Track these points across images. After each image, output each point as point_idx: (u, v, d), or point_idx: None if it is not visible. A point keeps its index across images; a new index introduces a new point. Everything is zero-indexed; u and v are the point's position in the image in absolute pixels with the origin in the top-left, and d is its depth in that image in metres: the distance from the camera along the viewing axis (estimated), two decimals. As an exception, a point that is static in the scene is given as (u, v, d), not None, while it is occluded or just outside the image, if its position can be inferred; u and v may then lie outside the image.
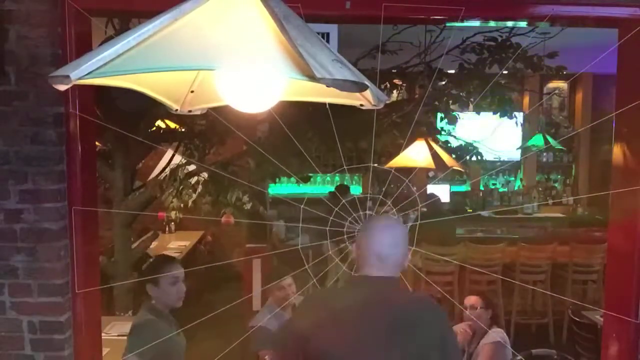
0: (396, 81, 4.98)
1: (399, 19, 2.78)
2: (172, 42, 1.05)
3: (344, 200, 2.35)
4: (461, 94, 4.76)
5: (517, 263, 5.55)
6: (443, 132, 5.68)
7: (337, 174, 7.74)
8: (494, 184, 8.30)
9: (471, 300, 3.43)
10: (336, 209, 2.32)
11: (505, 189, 8.23)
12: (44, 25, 2.06)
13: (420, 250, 4.10)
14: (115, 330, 3.61)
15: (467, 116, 5.69)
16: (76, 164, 2.19)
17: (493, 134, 5.51)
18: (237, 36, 1.07)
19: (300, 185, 6.10)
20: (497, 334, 3.26)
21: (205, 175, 4.77)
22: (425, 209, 6.22)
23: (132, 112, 3.94)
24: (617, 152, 2.50)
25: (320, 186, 7.91)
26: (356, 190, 7.93)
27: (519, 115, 6.77)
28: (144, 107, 3.91)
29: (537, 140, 6.29)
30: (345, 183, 7.97)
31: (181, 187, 4.60)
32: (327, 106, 1.82)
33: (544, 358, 3.52)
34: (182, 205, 5.15)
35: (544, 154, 8.15)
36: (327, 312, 1.76)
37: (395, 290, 1.85)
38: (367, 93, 1.14)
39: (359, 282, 1.84)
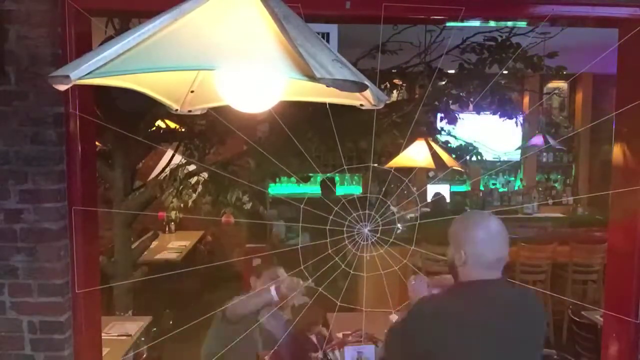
0: (396, 81, 4.98)
1: (399, 19, 2.78)
2: (172, 42, 1.05)
3: (344, 200, 2.35)
4: (461, 94, 4.76)
5: (517, 263, 5.54)
6: (443, 132, 5.68)
7: (337, 174, 7.74)
8: (494, 184, 8.30)
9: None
10: (336, 208, 2.32)
11: (505, 189, 8.23)
12: (44, 25, 2.06)
13: (420, 250, 4.10)
14: (115, 330, 3.61)
15: (467, 116, 5.69)
16: (76, 164, 2.19)
17: (492, 134, 5.52)
18: (237, 36, 1.07)
19: (300, 185, 6.11)
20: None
21: (205, 175, 4.77)
22: (428, 209, 6.23)
23: (132, 112, 3.94)
24: (617, 152, 2.50)
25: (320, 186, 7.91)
26: (356, 190, 7.92)
27: (519, 115, 6.77)
28: (144, 107, 3.91)
29: (537, 140, 6.29)
30: (345, 183, 7.99)
31: (181, 187, 4.61)
32: (328, 106, 1.82)
33: (543, 358, 3.52)
34: (182, 205, 5.15)
35: (544, 154, 8.15)
36: (452, 323, 1.67)
37: (509, 291, 1.83)
38: (367, 93, 1.14)
39: (480, 287, 1.74)
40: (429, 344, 1.69)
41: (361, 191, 7.84)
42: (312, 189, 7.60)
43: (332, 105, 1.51)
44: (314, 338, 3.24)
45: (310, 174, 5.04)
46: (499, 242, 1.75)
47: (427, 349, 1.69)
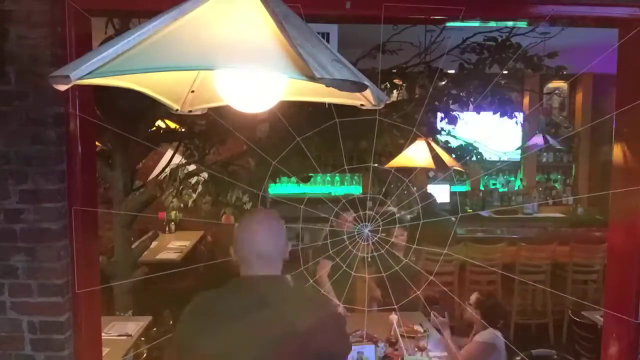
0: (396, 81, 4.97)
1: (399, 19, 2.78)
2: (172, 42, 1.05)
3: (344, 200, 2.36)
4: (461, 94, 4.76)
5: (517, 263, 5.55)
6: (443, 132, 5.67)
7: (337, 174, 7.73)
8: (494, 184, 8.30)
9: (472, 296, 3.48)
10: (336, 209, 2.32)
11: (505, 189, 8.23)
12: (44, 25, 2.06)
13: (421, 247, 4.10)
14: (115, 330, 3.61)
15: (467, 116, 5.68)
16: (76, 164, 2.19)
17: (492, 134, 5.50)
18: (237, 36, 1.07)
19: (300, 185, 6.10)
20: (491, 335, 3.26)
21: (205, 175, 4.77)
22: (420, 210, 6.21)
23: (132, 112, 3.94)
24: (617, 152, 2.50)
25: (321, 186, 7.91)
26: (356, 190, 7.92)
27: (519, 115, 6.77)
28: (144, 107, 3.91)
29: (537, 140, 6.29)
30: (345, 183, 7.98)
31: (181, 187, 4.60)
32: (332, 107, 1.81)
33: (544, 358, 3.52)
34: (182, 205, 5.15)
35: (544, 154, 8.15)
36: (210, 318, 1.65)
37: (279, 290, 1.71)
38: (367, 93, 1.14)
39: (241, 282, 1.70)
40: (190, 337, 1.66)
41: (361, 191, 7.84)
42: (313, 189, 7.60)
43: (334, 105, 1.51)
44: None
45: (311, 174, 5.03)
46: (265, 237, 1.69)
47: (186, 343, 1.67)
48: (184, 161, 4.82)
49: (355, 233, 2.53)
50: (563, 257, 5.62)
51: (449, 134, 5.72)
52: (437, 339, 3.49)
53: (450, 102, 4.81)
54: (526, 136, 7.61)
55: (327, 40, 3.04)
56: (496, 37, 4.31)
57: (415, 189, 6.82)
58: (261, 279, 1.68)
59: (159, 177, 4.76)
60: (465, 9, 2.12)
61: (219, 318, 1.64)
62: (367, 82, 1.06)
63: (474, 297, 3.46)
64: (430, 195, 6.01)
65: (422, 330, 3.57)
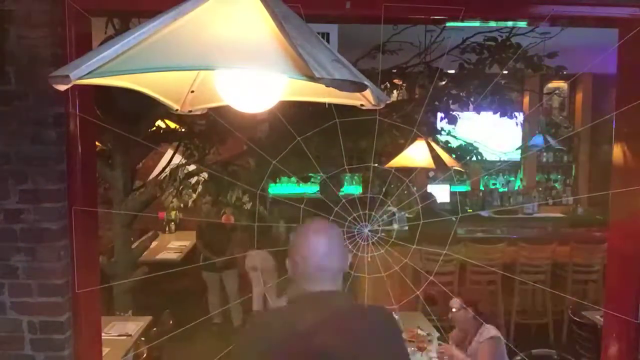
0: (396, 81, 4.97)
1: (399, 19, 2.79)
2: (172, 42, 1.05)
3: (344, 200, 2.35)
4: (461, 94, 4.76)
5: (517, 263, 5.55)
6: (443, 132, 5.67)
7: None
8: (494, 184, 8.30)
9: (451, 302, 3.39)
10: (336, 208, 2.32)
11: (505, 189, 8.23)
12: (44, 25, 2.06)
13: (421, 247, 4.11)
14: (115, 330, 3.61)
15: (467, 116, 5.69)
16: (76, 164, 2.19)
17: (492, 134, 5.49)
18: (237, 36, 1.07)
19: (300, 185, 6.11)
20: (492, 327, 3.25)
21: (205, 175, 4.78)
22: (420, 210, 6.21)
23: (132, 112, 3.94)
24: (617, 152, 2.50)
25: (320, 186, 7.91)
26: (356, 190, 7.92)
27: (519, 115, 6.77)
28: (144, 107, 3.91)
29: (537, 140, 6.29)
30: (345, 183, 7.98)
31: (181, 187, 4.61)
32: (332, 107, 1.81)
33: (544, 358, 3.52)
34: (182, 205, 5.15)
35: (544, 154, 8.15)
36: (275, 339, 1.53)
37: (342, 305, 1.62)
38: (368, 93, 1.14)
39: (304, 299, 1.59)
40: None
41: (361, 191, 7.84)
42: (312, 189, 7.60)
43: (334, 105, 1.51)
44: None
45: (310, 174, 5.03)
46: (324, 249, 1.58)
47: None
48: (184, 161, 4.82)
49: (356, 233, 2.53)
50: (563, 257, 5.61)
51: (449, 134, 5.72)
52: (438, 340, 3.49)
53: (450, 102, 4.82)
54: (526, 136, 7.62)
55: (327, 40, 3.04)
56: (496, 37, 4.31)
57: (415, 189, 6.82)
58: (324, 295, 1.58)
59: (159, 177, 4.76)
60: (465, 9, 2.12)
61: (280, 339, 1.53)
62: (367, 82, 1.06)
63: (456, 302, 3.39)
64: (430, 195, 6.01)
65: (424, 334, 3.57)
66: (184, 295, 5.63)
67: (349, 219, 2.50)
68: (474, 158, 5.48)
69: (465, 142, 5.64)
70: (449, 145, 5.51)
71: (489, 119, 5.36)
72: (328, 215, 2.34)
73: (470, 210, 7.63)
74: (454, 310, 3.32)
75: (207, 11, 1.08)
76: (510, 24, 3.42)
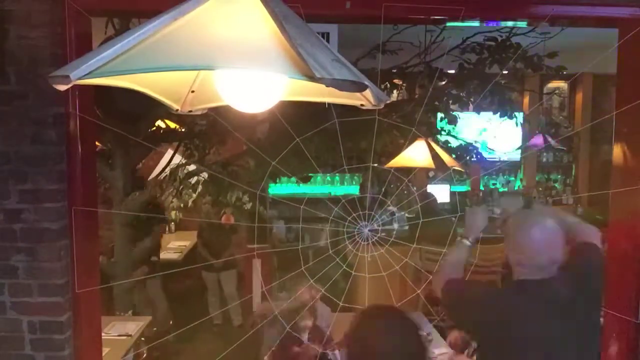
0: (396, 81, 4.97)
1: (399, 19, 2.79)
2: (172, 42, 1.05)
3: (343, 200, 2.35)
4: (461, 94, 4.75)
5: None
6: (443, 132, 5.67)
7: (337, 174, 7.73)
8: (494, 184, 8.30)
9: (450, 339, 3.32)
10: (336, 208, 2.32)
11: (505, 189, 8.22)
12: (44, 25, 2.06)
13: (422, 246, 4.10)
14: (115, 330, 3.61)
15: (467, 116, 5.69)
16: (76, 164, 2.19)
17: (493, 134, 5.49)
18: (237, 36, 1.07)
19: (300, 185, 6.10)
20: None
21: (205, 175, 4.77)
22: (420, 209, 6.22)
23: (132, 112, 3.94)
24: (617, 152, 2.50)
25: (320, 186, 7.90)
26: (356, 190, 7.92)
27: (519, 115, 6.76)
28: (144, 107, 3.91)
29: (537, 140, 6.28)
30: (345, 183, 7.98)
31: (181, 187, 4.60)
32: (332, 107, 1.81)
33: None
34: (182, 205, 5.15)
35: (544, 154, 8.15)
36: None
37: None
38: (368, 93, 1.14)
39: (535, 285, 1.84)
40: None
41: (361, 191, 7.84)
42: (312, 189, 7.60)
43: (334, 105, 1.51)
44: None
45: (310, 174, 5.03)
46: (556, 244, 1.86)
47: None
48: (184, 161, 4.82)
49: (356, 233, 2.53)
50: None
51: (449, 134, 5.72)
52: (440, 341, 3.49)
53: (450, 102, 4.81)
54: (526, 136, 7.61)
55: (327, 40, 3.03)
56: (496, 37, 4.31)
57: (415, 188, 6.82)
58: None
59: (159, 177, 4.76)
60: (465, 9, 2.12)
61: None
62: (367, 82, 1.06)
63: (453, 336, 3.32)
64: (430, 195, 6.00)
65: (424, 334, 3.55)
66: (185, 295, 5.64)
67: (349, 218, 2.50)
68: (474, 158, 5.47)
69: (465, 142, 5.64)
70: (449, 145, 5.51)
71: (489, 119, 5.36)
72: (328, 215, 2.34)
73: (470, 210, 7.61)
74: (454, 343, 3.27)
75: (207, 11, 1.08)
76: (510, 24, 3.42)
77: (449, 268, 2.12)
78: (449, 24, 2.86)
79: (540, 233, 1.86)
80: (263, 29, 1.08)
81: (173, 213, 6.74)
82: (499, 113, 4.70)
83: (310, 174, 4.92)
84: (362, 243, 2.55)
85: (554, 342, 1.79)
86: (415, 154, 3.93)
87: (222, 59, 1.05)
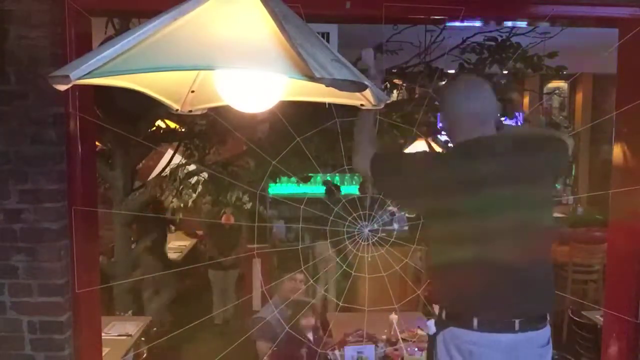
0: (396, 81, 4.97)
1: (399, 19, 2.78)
2: (172, 42, 1.05)
3: (343, 200, 2.35)
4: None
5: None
6: (443, 132, 5.66)
7: (337, 174, 7.73)
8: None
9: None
10: (336, 209, 2.32)
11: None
12: (44, 25, 2.06)
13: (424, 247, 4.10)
14: (115, 330, 3.61)
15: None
16: (76, 164, 2.19)
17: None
18: (237, 36, 1.07)
19: (300, 185, 6.10)
20: None
21: (205, 175, 4.77)
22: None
23: (132, 112, 3.94)
24: (617, 152, 2.50)
25: (321, 186, 7.90)
26: (356, 190, 7.92)
27: (519, 115, 6.75)
28: (144, 107, 3.91)
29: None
30: (345, 183, 7.98)
31: (181, 187, 4.60)
32: (332, 106, 1.81)
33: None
34: (182, 205, 5.15)
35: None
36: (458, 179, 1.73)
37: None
38: (368, 93, 1.14)
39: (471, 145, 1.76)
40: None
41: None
42: (312, 189, 7.59)
43: (334, 104, 1.51)
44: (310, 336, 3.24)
45: (310, 174, 5.03)
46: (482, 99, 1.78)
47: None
48: (184, 161, 4.82)
49: (356, 233, 2.53)
50: (563, 257, 5.61)
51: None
52: None
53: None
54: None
55: (327, 40, 3.03)
56: (496, 37, 4.31)
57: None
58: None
59: (158, 177, 4.76)
60: (465, 9, 2.12)
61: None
62: (367, 82, 1.06)
63: None
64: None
65: (425, 334, 3.57)
66: (184, 295, 5.63)
67: (349, 218, 2.50)
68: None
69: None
70: (449, 145, 5.50)
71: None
72: (328, 215, 2.34)
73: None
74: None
75: (207, 11, 1.08)
76: (510, 24, 3.42)
77: (367, 144, 2.04)
78: (449, 24, 2.85)
79: (465, 85, 1.83)
80: (263, 29, 1.08)
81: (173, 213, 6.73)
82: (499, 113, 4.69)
83: (310, 174, 4.92)
84: (362, 243, 2.55)
85: (501, 201, 1.71)
86: (415, 154, 3.93)
87: (222, 59, 1.05)
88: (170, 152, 5.02)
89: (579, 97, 8.13)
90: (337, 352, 3.14)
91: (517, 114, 5.13)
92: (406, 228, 5.59)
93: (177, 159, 4.91)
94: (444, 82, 4.70)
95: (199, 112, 1.52)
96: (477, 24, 2.55)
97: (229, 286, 5.69)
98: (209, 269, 5.58)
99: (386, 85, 4.86)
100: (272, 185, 6.91)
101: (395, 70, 4.74)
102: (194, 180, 4.93)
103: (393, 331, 3.36)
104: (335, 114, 2.14)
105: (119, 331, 3.60)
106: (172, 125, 4.98)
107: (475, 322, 1.68)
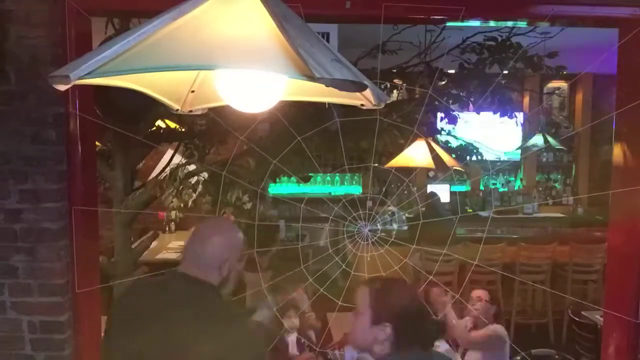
0: (396, 81, 4.97)
1: (399, 19, 2.78)
2: (172, 42, 1.05)
3: (343, 200, 2.36)
4: (461, 94, 4.76)
5: (517, 263, 5.55)
6: (443, 132, 5.67)
7: (337, 174, 7.73)
8: (494, 184, 8.30)
9: (478, 292, 3.45)
10: (336, 208, 2.32)
11: (506, 189, 8.23)
12: (44, 25, 2.06)
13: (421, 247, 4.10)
14: (115, 330, 3.60)
15: (467, 116, 5.69)
16: (76, 164, 2.19)
17: (492, 134, 5.48)
18: (237, 36, 1.07)
19: (301, 185, 6.11)
20: (497, 328, 3.27)
21: (205, 175, 4.77)
22: (424, 208, 6.24)
23: (132, 111, 3.93)
24: (617, 152, 2.50)
25: (321, 186, 7.90)
26: (356, 190, 7.92)
27: (519, 115, 6.76)
28: (144, 106, 3.91)
29: (537, 139, 6.29)
30: (345, 183, 7.98)
31: (181, 187, 4.60)
32: (332, 106, 1.81)
33: (544, 358, 3.52)
34: (182, 205, 5.14)
35: (544, 154, 8.15)
36: (138, 309, 1.78)
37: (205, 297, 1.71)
38: (368, 93, 1.14)
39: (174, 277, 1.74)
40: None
41: (361, 191, 7.84)
42: (313, 188, 7.59)
43: (334, 104, 1.51)
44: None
45: (311, 174, 5.04)
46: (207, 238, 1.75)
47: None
48: (184, 161, 4.82)
49: (355, 232, 2.53)
50: (563, 257, 5.62)
51: (449, 134, 5.72)
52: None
53: (450, 102, 4.81)
54: (526, 136, 7.62)
55: (327, 40, 3.04)
56: (496, 37, 4.31)
57: (415, 188, 6.82)
58: (191, 280, 1.70)
59: (159, 177, 4.76)
60: (465, 9, 2.12)
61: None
62: (367, 82, 1.06)
63: (481, 292, 3.44)
64: (433, 194, 6.01)
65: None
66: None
67: (349, 218, 2.50)
68: (474, 158, 5.48)
69: (465, 142, 5.64)
70: (449, 145, 5.51)
71: (489, 119, 5.36)
72: (328, 215, 2.34)
73: (470, 210, 7.63)
74: (481, 301, 3.35)
75: (207, 11, 1.08)
76: (510, 24, 3.42)
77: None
78: (449, 24, 2.85)
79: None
80: (263, 29, 1.08)
81: (173, 213, 6.73)
82: (499, 113, 4.70)
83: (310, 174, 4.93)
84: (362, 243, 2.55)
85: None
86: (416, 154, 3.94)
87: (222, 59, 1.05)
88: (170, 152, 5.01)
89: (579, 97, 8.13)
90: (337, 352, 3.14)
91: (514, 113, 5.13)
92: (406, 228, 5.60)
93: (177, 158, 4.91)
94: (443, 82, 4.71)
95: (199, 112, 1.52)
96: (477, 23, 2.55)
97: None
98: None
99: (386, 85, 4.86)
100: (272, 185, 6.91)
101: (395, 70, 4.74)
102: (194, 180, 4.93)
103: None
104: (335, 114, 2.14)
105: (119, 331, 3.59)
106: (172, 125, 4.98)
107: None
